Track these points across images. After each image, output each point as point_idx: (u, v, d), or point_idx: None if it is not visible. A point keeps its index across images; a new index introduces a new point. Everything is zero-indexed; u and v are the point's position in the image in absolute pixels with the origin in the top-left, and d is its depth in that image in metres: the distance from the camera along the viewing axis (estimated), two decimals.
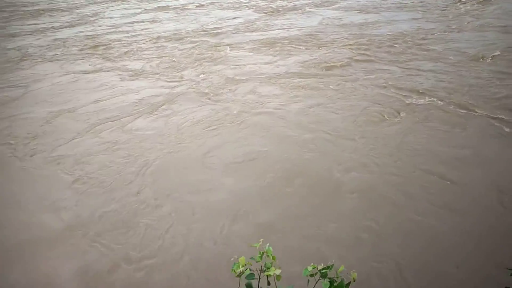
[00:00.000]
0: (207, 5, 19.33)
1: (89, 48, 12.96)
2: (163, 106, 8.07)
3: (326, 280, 1.92)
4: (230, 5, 18.90)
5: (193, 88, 8.87)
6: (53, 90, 9.42)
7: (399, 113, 7.01)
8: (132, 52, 12.22)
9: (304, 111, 7.40)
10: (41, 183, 5.83)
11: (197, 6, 19.29)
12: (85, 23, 17.10)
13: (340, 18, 14.22)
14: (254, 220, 4.82)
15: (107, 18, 18.12)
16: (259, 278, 2.06)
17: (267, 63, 10.14)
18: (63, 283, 4.16)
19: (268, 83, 8.86)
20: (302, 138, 6.44)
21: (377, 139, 6.26)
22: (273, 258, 2.08)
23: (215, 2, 19.86)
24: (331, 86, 8.38)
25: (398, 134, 6.37)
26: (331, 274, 1.95)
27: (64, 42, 13.91)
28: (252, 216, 4.89)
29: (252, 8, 17.54)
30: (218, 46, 11.97)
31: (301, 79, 8.89)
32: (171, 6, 19.87)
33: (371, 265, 4.11)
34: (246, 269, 2.05)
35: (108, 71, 10.62)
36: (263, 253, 2.12)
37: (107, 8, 20.50)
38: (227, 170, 5.80)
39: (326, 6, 16.54)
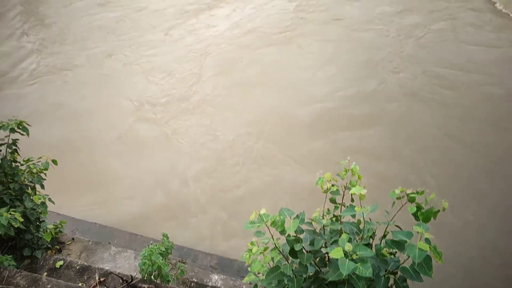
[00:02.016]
0: None
1: None
2: None
3: (414, 205, 1.91)
4: None
5: None
6: None
7: None
8: None
9: None
10: None
11: None
12: None
13: None
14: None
15: None
16: (343, 195, 2.10)
17: None
18: None
19: None
20: None
21: None
22: (359, 177, 2.08)
23: None
24: None
25: None
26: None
27: None
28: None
29: None
30: None
31: None
32: None
33: None
34: (332, 185, 2.08)
35: None
36: (347, 170, 2.12)
37: None
38: None
39: None
